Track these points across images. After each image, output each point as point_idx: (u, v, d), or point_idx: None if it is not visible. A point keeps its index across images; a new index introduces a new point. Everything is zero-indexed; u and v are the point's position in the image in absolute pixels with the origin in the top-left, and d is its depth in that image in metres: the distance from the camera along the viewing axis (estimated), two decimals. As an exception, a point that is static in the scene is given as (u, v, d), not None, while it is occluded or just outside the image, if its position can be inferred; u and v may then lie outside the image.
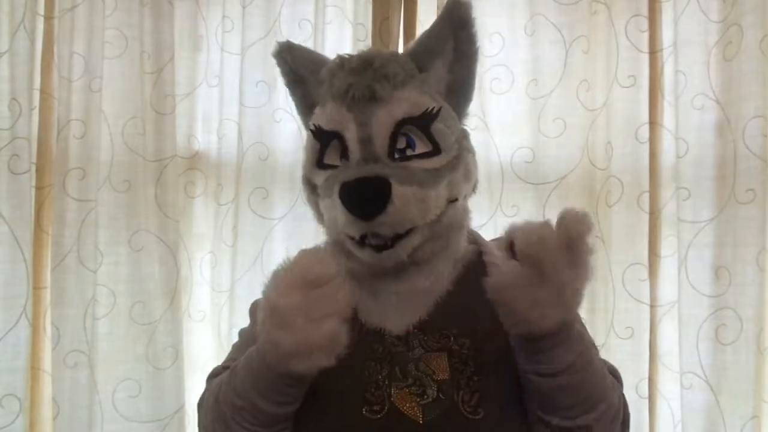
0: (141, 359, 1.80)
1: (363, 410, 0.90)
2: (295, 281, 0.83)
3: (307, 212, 1.78)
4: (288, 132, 1.86)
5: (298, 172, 1.80)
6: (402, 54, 1.04)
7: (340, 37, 1.85)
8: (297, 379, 0.86)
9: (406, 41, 1.88)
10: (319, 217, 1.03)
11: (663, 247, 1.82)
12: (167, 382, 1.80)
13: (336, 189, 0.92)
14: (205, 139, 1.92)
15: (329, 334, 0.81)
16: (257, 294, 1.14)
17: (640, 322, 1.79)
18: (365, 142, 0.95)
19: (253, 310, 1.04)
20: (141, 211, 1.82)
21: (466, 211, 1.06)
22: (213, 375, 1.03)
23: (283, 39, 1.83)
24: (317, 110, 1.02)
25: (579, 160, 1.83)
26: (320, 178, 0.99)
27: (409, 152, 0.96)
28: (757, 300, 1.69)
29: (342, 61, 1.01)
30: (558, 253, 0.83)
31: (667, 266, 1.81)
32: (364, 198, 0.90)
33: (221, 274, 1.87)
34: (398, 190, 0.90)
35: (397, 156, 0.95)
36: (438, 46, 1.02)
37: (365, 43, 1.84)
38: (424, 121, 0.97)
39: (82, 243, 1.76)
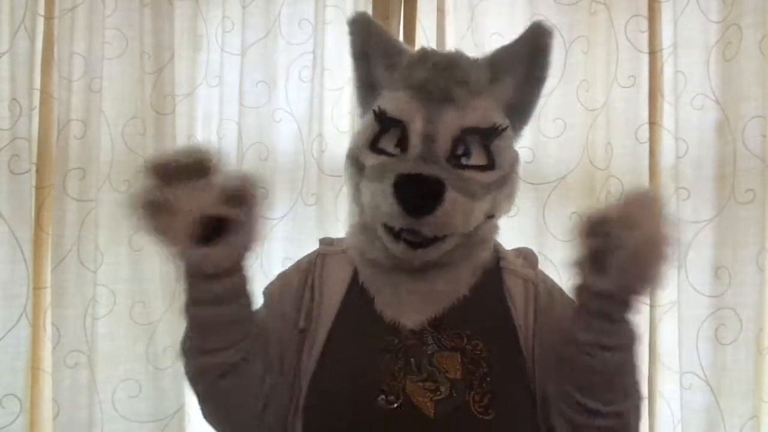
0: (141, 359, 1.80)
1: (379, 399, 0.91)
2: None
3: (306, 212, 1.83)
4: (288, 132, 1.87)
5: (299, 172, 1.85)
6: (482, 60, 1.03)
7: (340, 37, 1.85)
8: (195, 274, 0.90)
9: (406, 41, 1.88)
10: (357, 196, 1.04)
11: (663, 247, 1.82)
12: (167, 382, 1.80)
13: (391, 178, 0.92)
14: (205, 139, 1.92)
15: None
16: (257, 293, 1.16)
17: (640, 322, 1.78)
18: (428, 139, 0.96)
19: (267, 292, 1.07)
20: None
21: (496, 228, 1.07)
22: None
23: (283, 39, 1.86)
24: (385, 93, 1.02)
25: (579, 160, 1.83)
26: (371, 160, 0.99)
27: (464, 160, 0.97)
28: (756, 300, 1.69)
29: (425, 54, 1.02)
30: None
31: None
32: (417, 194, 0.92)
33: (221, 274, 1.87)
34: (451, 196, 0.92)
35: (454, 162, 0.97)
36: (512, 64, 1.03)
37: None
38: (488, 135, 0.99)
39: (82, 243, 1.76)
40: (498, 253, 1.07)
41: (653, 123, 1.82)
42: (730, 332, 1.71)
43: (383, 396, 0.92)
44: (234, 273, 0.91)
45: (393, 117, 0.98)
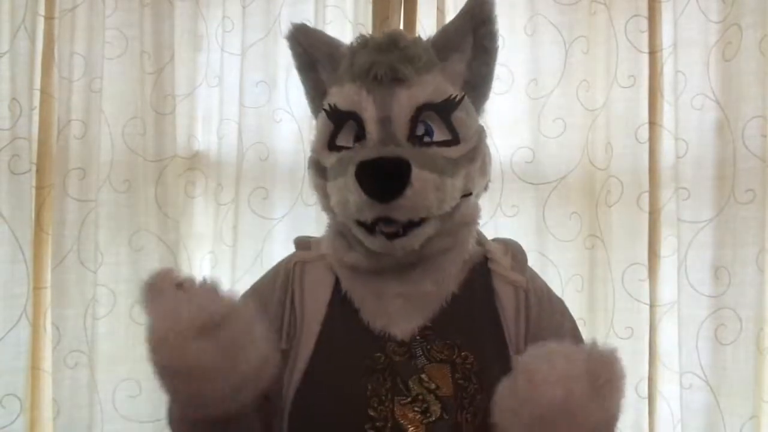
0: (141, 359, 1.76)
1: (366, 427, 0.87)
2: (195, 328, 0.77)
3: (306, 212, 1.83)
4: (288, 132, 1.86)
5: (299, 173, 1.85)
6: (425, 40, 1.00)
7: (340, 37, 1.85)
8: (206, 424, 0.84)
9: (406, 41, 1.88)
10: (325, 202, 0.99)
11: (663, 247, 1.82)
12: (167, 382, 1.80)
13: (351, 169, 0.88)
14: (205, 139, 1.92)
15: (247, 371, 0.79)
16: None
17: (640, 322, 1.79)
18: (384, 122, 0.92)
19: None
20: (141, 211, 1.82)
21: (477, 208, 1.03)
22: None
23: (284, 39, 1.86)
24: (333, 89, 0.98)
25: (579, 160, 1.83)
26: (331, 159, 0.95)
27: (427, 139, 0.93)
28: (756, 300, 1.68)
29: (365, 40, 0.98)
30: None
31: (667, 266, 1.81)
32: (382, 179, 0.87)
33: (221, 274, 1.86)
34: (418, 174, 0.87)
35: (416, 142, 0.92)
36: (457, 40, 0.99)
37: (365, 44, 1.84)
38: (445, 108, 0.94)
39: (82, 243, 1.76)
40: (485, 248, 1.02)
41: (653, 123, 1.82)
42: (730, 332, 1.71)
43: (370, 423, 0.87)
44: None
45: (345, 110, 0.94)
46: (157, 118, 1.83)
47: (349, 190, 0.88)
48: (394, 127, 0.91)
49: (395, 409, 0.88)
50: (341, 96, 0.96)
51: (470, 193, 0.97)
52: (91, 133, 1.79)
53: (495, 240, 1.08)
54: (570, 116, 1.83)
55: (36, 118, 1.80)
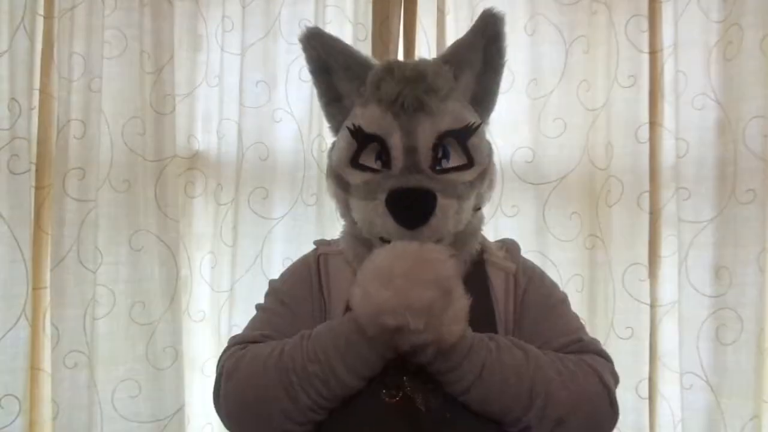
0: (141, 359, 1.79)
1: (382, 392, 0.96)
2: (407, 255, 0.91)
3: (306, 212, 1.83)
4: (288, 132, 1.86)
5: (299, 173, 1.84)
6: (444, 64, 1.05)
7: (340, 37, 1.85)
8: (383, 344, 0.91)
9: (406, 41, 1.88)
10: (343, 210, 1.07)
11: (663, 247, 1.82)
12: (167, 382, 1.80)
13: (382, 196, 0.96)
14: (205, 139, 1.92)
15: (427, 300, 0.87)
16: (257, 294, 1.16)
17: (640, 322, 1.79)
18: (410, 151, 0.99)
19: (271, 290, 1.10)
20: (141, 211, 1.82)
21: (482, 217, 1.12)
22: (240, 342, 1.03)
23: (283, 39, 1.86)
24: (357, 110, 1.04)
25: (579, 160, 1.83)
26: (355, 177, 1.02)
27: (444, 163, 1.01)
28: (757, 300, 1.68)
29: (391, 67, 1.04)
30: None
31: (667, 266, 1.81)
32: (411, 209, 0.96)
33: (221, 275, 1.87)
34: (442, 204, 0.96)
35: (437, 168, 1.00)
36: (469, 56, 1.06)
37: (365, 43, 1.84)
38: (463, 135, 1.02)
39: (81, 243, 1.76)
40: (482, 245, 1.10)
41: (653, 123, 1.82)
42: (730, 332, 1.71)
43: (385, 390, 0.96)
44: None
45: (370, 133, 1.01)
46: (156, 118, 1.83)
47: (377, 214, 0.97)
48: (419, 156, 0.99)
49: (405, 381, 0.96)
50: (366, 118, 1.02)
51: (480, 208, 1.07)
52: (90, 132, 1.79)
53: (497, 241, 1.16)
54: (570, 116, 1.83)
55: (35, 117, 1.79)
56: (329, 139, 1.82)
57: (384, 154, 1.00)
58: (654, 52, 1.83)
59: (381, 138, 1.00)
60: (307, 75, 1.80)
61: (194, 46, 1.90)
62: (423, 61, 1.08)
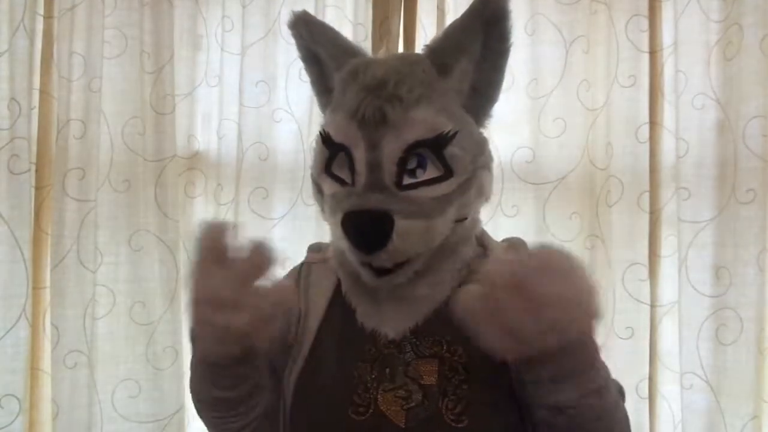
0: (141, 359, 1.80)
1: (349, 411, 0.90)
2: (205, 263, 0.84)
3: (306, 212, 1.83)
4: (288, 132, 1.86)
5: (299, 173, 1.85)
6: (422, 58, 0.95)
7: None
8: (224, 366, 0.88)
9: (406, 41, 1.88)
10: (326, 215, 1.00)
11: (663, 247, 1.82)
12: (167, 382, 1.80)
13: (339, 216, 0.89)
14: (205, 139, 1.92)
15: (229, 324, 0.81)
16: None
17: (640, 322, 1.79)
18: (373, 167, 0.90)
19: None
20: (141, 211, 1.82)
21: (475, 222, 1.02)
22: None
23: (283, 38, 1.86)
24: (328, 115, 0.97)
25: (579, 160, 1.83)
26: (327, 186, 0.96)
27: (419, 173, 0.90)
28: (757, 300, 1.68)
29: (357, 70, 0.95)
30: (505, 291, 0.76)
31: (667, 266, 1.81)
32: (365, 232, 0.88)
33: (221, 274, 1.86)
34: (400, 226, 0.86)
35: (405, 182, 0.90)
36: (465, 41, 0.94)
37: (365, 44, 1.84)
38: (437, 144, 0.90)
39: (81, 243, 1.76)
40: (485, 248, 1.02)
41: (653, 123, 1.82)
42: (730, 332, 1.71)
43: (353, 407, 0.90)
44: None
45: (338, 143, 0.93)
46: (156, 117, 1.83)
47: (337, 233, 0.90)
48: (383, 172, 0.90)
49: (378, 396, 0.90)
50: (334, 126, 0.94)
51: (465, 218, 0.97)
52: (90, 132, 1.79)
53: (502, 240, 1.08)
54: (570, 116, 1.83)
55: (35, 117, 1.80)
56: (329, 139, 1.86)
57: (351, 166, 0.92)
58: (654, 52, 1.83)
59: (347, 149, 0.92)
60: (307, 75, 1.84)
61: (194, 46, 1.90)
62: (391, 62, 0.96)
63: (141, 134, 1.82)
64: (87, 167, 1.78)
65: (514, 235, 1.10)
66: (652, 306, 1.80)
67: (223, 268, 0.83)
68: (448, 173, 0.91)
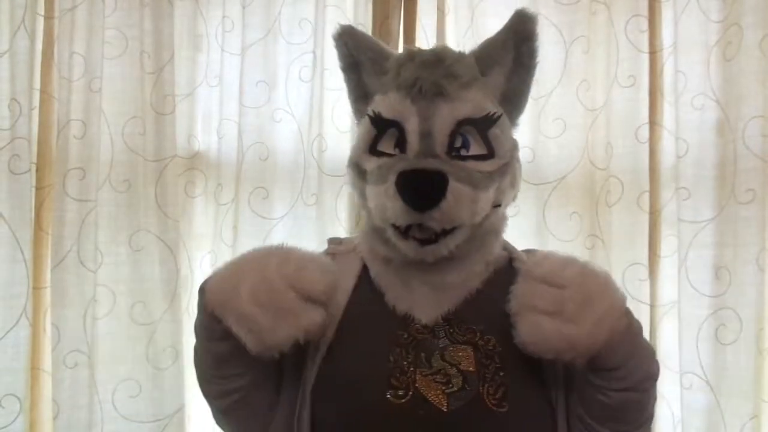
0: (141, 359, 1.80)
1: (387, 394, 0.92)
2: (289, 272, 0.90)
3: (306, 212, 1.83)
4: (288, 132, 1.87)
5: (299, 172, 1.85)
6: (468, 55, 1.05)
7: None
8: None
9: (406, 41, 1.88)
10: (363, 202, 1.05)
11: (663, 247, 1.82)
12: (167, 382, 1.80)
13: (392, 177, 0.93)
14: (205, 139, 1.92)
15: (267, 328, 0.88)
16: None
17: (640, 322, 1.78)
18: (425, 135, 0.97)
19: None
20: (141, 211, 1.82)
21: (504, 218, 1.08)
22: None
23: (283, 39, 1.86)
24: (377, 97, 1.03)
25: (579, 160, 1.83)
26: (372, 164, 1.00)
27: (463, 152, 0.98)
28: (757, 300, 1.68)
29: (412, 54, 1.03)
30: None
31: (667, 266, 1.81)
32: (420, 189, 0.92)
33: (221, 274, 1.87)
34: (454, 187, 0.92)
35: (453, 154, 0.97)
36: (499, 54, 1.04)
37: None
38: (483, 124, 0.99)
39: (82, 243, 1.76)
40: (509, 252, 1.08)
41: (653, 123, 1.82)
42: (730, 332, 1.71)
43: (392, 390, 0.92)
44: None
45: (389, 118, 0.99)
46: (157, 118, 1.83)
47: (388, 197, 0.93)
48: (434, 141, 0.96)
49: (417, 379, 0.92)
50: (385, 104, 1.01)
51: (499, 204, 1.03)
52: (90, 132, 1.79)
53: (525, 250, 1.14)
54: (570, 116, 1.83)
55: (36, 118, 1.80)
56: (329, 139, 1.86)
57: (401, 140, 0.98)
58: (654, 52, 1.83)
59: (398, 123, 0.98)
60: (307, 75, 1.86)
61: (194, 46, 1.90)
62: (444, 48, 1.06)
63: (141, 134, 1.82)
64: (87, 167, 1.78)
65: (511, 236, 1.14)
66: (652, 306, 1.80)
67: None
68: (490, 153, 0.99)
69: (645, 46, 1.82)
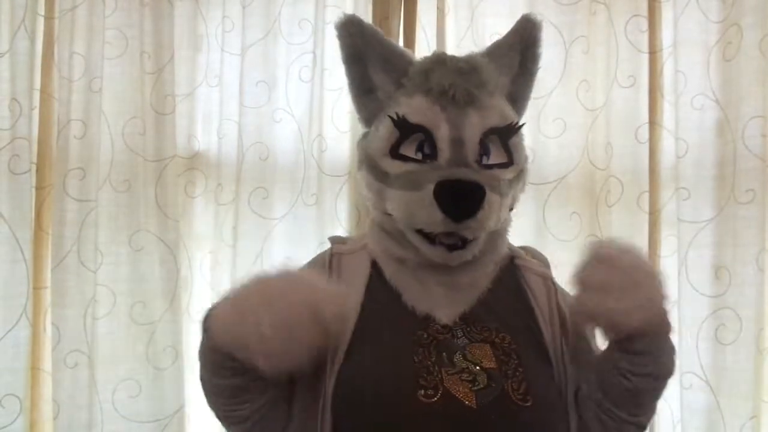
0: (141, 359, 1.80)
1: (419, 394, 0.92)
2: (302, 297, 0.88)
3: (306, 212, 1.83)
4: (288, 132, 1.87)
5: (299, 172, 1.85)
6: (489, 60, 1.06)
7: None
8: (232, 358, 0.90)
9: (406, 41, 1.88)
10: (376, 201, 1.05)
11: (663, 247, 1.82)
12: (167, 382, 1.80)
13: (429, 186, 0.94)
14: (205, 139, 1.92)
15: (273, 349, 0.86)
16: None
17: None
18: (457, 143, 0.98)
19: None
20: (141, 211, 1.82)
21: (510, 220, 1.11)
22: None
23: (283, 39, 1.86)
24: (402, 100, 1.03)
25: (579, 160, 1.83)
26: (394, 167, 1.01)
27: (484, 160, 1.00)
28: (756, 300, 1.69)
29: (443, 58, 1.04)
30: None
31: (667, 266, 1.80)
32: (461, 201, 0.94)
33: (221, 274, 1.87)
34: (489, 198, 0.95)
35: (483, 162, 1.00)
36: (507, 58, 1.08)
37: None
38: (507, 133, 1.02)
39: (82, 243, 1.76)
40: (511, 251, 1.10)
41: (653, 123, 1.82)
42: (730, 332, 1.71)
43: (422, 390, 0.92)
44: None
45: (415, 123, 1.00)
46: (157, 118, 1.83)
47: (422, 205, 0.95)
48: (466, 149, 0.98)
49: (444, 378, 0.93)
50: (412, 108, 1.01)
51: (512, 208, 1.08)
52: (90, 133, 1.79)
53: (520, 247, 1.16)
54: (570, 116, 1.83)
55: (36, 118, 1.80)
56: (329, 139, 1.86)
57: (428, 146, 0.99)
58: (654, 53, 1.83)
59: (427, 129, 0.99)
60: (307, 75, 1.85)
61: (194, 46, 1.90)
62: (475, 56, 1.07)
63: (141, 134, 1.82)
64: (87, 167, 1.78)
65: (510, 236, 1.15)
66: (652, 306, 1.80)
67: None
68: (510, 161, 1.03)
69: (645, 47, 1.83)
